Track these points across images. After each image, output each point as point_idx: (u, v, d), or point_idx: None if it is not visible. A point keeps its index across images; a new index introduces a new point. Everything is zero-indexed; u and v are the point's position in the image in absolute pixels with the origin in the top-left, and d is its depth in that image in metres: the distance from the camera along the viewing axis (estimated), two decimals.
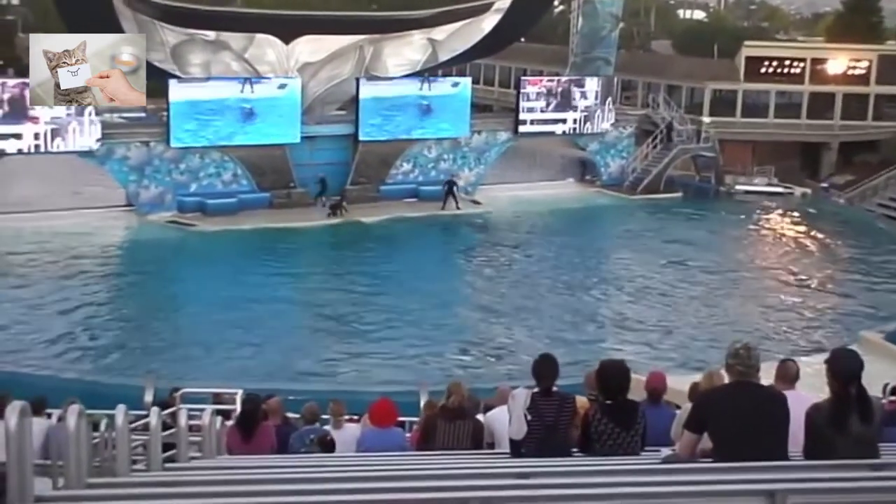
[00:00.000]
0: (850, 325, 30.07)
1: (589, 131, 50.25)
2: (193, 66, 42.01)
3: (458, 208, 44.54)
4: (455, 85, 47.29)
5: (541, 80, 51.44)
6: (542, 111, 49.09)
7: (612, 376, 7.22)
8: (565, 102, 49.38)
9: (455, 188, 44.90)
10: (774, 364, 8.23)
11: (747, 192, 51.61)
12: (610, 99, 50.31)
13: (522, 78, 51.87)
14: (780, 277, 36.77)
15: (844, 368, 6.03)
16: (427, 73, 47.36)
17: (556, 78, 51.90)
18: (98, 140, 39.38)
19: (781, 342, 28.09)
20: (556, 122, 49.40)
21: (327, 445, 10.31)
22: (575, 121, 49.71)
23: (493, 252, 39.72)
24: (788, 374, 7.83)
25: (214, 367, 24.74)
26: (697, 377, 11.11)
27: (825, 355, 6.37)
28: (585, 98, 49.76)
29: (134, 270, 35.78)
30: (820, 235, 44.01)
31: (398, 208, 43.81)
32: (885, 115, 57.58)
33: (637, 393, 8.95)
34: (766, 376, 6.58)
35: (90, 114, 38.67)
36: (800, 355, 21.40)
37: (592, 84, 50.06)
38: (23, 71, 49.51)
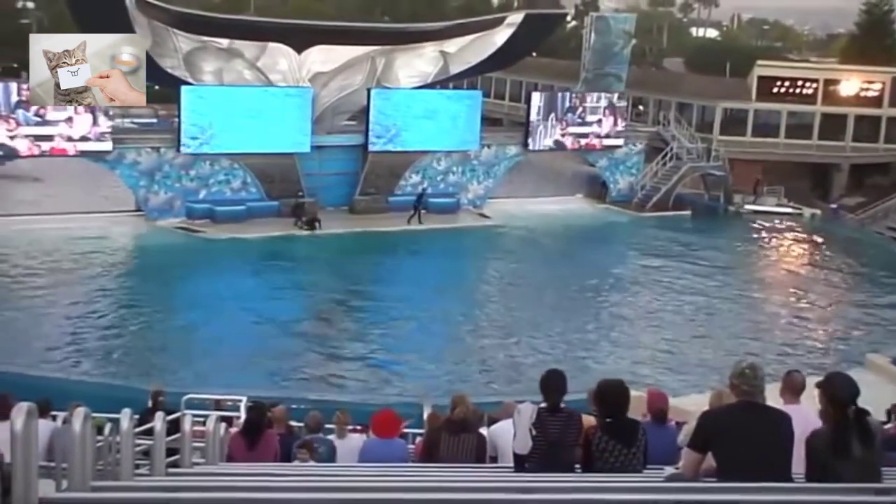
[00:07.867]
0: (857, 347, 29.99)
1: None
2: (206, 74, 42.11)
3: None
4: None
5: None
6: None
7: (610, 395, 7.20)
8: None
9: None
10: (778, 385, 8.20)
11: (756, 212, 51.57)
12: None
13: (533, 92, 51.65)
14: (787, 298, 36.67)
15: (842, 394, 5.98)
16: (438, 84, 47.42)
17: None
18: None
19: (786, 363, 27.93)
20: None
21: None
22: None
23: (500, 266, 39.67)
24: (794, 386, 7.79)
25: (218, 372, 24.71)
26: (700, 397, 11.06)
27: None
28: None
29: (141, 275, 35.83)
30: (828, 257, 43.93)
31: (406, 220, 43.80)
32: None
33: (639, 411, 8.94)
34: (772, 397, 6.55)
35: None
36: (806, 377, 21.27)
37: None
38: None
